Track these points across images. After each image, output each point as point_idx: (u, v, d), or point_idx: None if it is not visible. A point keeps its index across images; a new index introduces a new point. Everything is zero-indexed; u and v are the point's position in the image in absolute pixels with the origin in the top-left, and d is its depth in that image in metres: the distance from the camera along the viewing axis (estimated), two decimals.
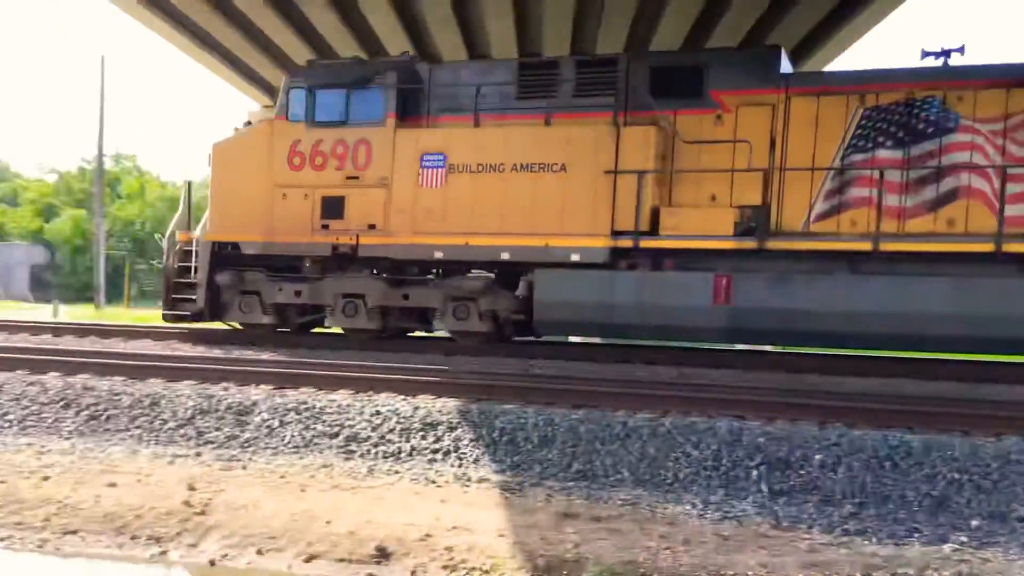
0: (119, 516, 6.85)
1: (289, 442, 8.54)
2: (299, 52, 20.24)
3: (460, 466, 7.98)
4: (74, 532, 6.73)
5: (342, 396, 9.16)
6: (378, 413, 8.68)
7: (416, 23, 19.77)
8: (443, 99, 13.99)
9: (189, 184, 16.66)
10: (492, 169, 13.32)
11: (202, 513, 6.83)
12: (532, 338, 14.78)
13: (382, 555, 6.14)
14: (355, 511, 6.80)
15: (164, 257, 15.73)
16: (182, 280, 15.13)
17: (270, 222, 14.40)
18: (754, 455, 7.58)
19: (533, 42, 20.02)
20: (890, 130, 12.09)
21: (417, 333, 15.43)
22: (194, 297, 14.92)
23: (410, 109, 14.01)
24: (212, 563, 6.25)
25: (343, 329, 14.68)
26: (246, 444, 8.58)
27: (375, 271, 14.27)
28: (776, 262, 12.15)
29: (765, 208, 12.37)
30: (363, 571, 6.05)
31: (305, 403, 8.97)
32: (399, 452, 8.25)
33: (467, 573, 5.91)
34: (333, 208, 14.05)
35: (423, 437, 8.36)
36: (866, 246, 11.72)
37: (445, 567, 5.98)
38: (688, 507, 6.96)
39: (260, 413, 8.91)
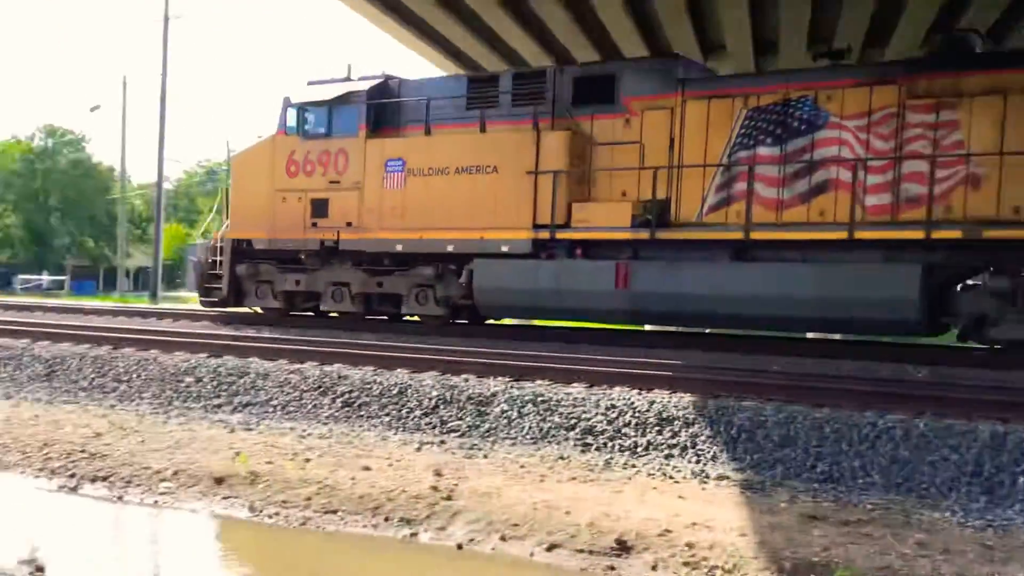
0: (373, 498, 7.26)
1: (527, 433, 8.74)
2: (529, 49, 20.58)
3: (698, 462, 7.89)
4: (334, 512, 7.20)
5: (577, 389, 9.27)
6: (613, 407, 8.73)
7: (648, 17, 19.64)
8: (409, 111, 15.78)
9: (226, 189, 18.66)
10: (440, 172, 15.10)
11: (448, 498, 7.12)
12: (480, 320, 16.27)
13: (622, 548, 6.16)
14: (593, 503, 6.86)
15: (198, 252, 18.41)
16: (213, 272, 17.61)
17: (273, 222, 16.65)
18: (1020, 460, 7.01)
19: (768, 31, 19.41)
20: (769, 128, 13.10)
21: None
22: (221, 286, 17.41)
23: (383, 121, 15.97)
24: (459, 547, 6.50)
25: (338, 313, 16.75)
26: (486, 434, 8.85)
27: (359, 263, 16.10)
28: (669, 251, 13.48)
29: (661, 202, 13.51)
30: (603, 563, 6.09)
31: (541, 395, 9.14)
32: (635, 446, 8.25)
33: (709, 571, 5.83)
34: (320, 208, 16.18)
35: (659, 432, 8.33)
36: (739, 235, 12.89)
37: (686, 564, 5.92)
38: (947, 514, 6.53)
39: (499, 404, 9.17)
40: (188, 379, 10.85)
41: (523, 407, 9.05)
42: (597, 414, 8.68)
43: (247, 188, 17.17)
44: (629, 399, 8.82)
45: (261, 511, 7.37)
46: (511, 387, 9.47)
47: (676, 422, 8.35)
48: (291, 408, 9.94)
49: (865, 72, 13.31)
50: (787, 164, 12.93)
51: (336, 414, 9.68)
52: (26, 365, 12.12)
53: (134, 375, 11.24)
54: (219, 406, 10.19)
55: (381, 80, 16.27)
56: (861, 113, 12.53)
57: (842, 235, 12.18)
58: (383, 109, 15.96)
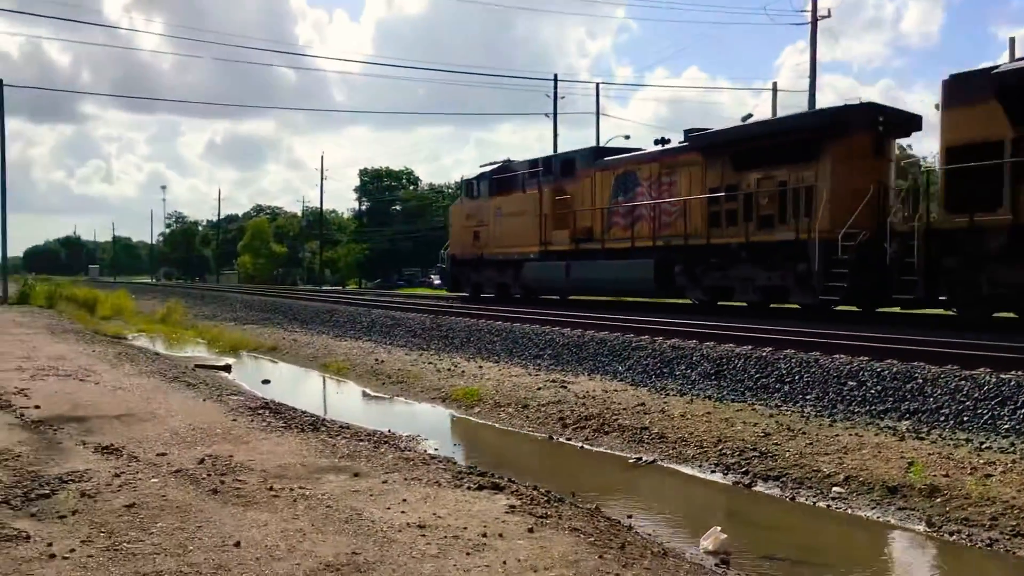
0: None
1: None
2: None
3: None
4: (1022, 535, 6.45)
5: None
6: None
7: None
8: (507, 181, 28.81)
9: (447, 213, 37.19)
10: (511, 215, 28.22)
11: None
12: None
13: None
14: None
15: (440, 262, 34.91)
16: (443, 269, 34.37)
17: (462, 243, 31.12)
18: None
19: None
20: (621, 187, 24.14)
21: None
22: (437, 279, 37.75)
23: (499, 188, 29.23)
24: None
25: (493, 294, 30.17)
26: None
27: (493, 266, 29.64)
28: (584, 256, 25.13)
29: (587, 228, 25.27)
30: None
31: None
32: None
33: None
34: (476, 237, 30.06)
35: None
36: (599, 246, 24.61)
37: None
38: None
39: None
40: (851, 382, 10.67)
41: None
42: None
43: (454, 225, 32.56)
44: None
45: (940, 527, 6.92)
46: None
47: None
48: (964, 418, 9.18)
49: (649, 156, 23.76)
50: (626, 206, 23.65)
51: (1018, 427, 8.70)
52: (696, 364, 13.06)
53: (796, 376, 11.41)
54: (885, 411, 9.82)
55: (501, 163, 30.06)
56: (647, 178, 23.02)
57: (627, 245, 23.32)
58: (499, 181, 29.41)
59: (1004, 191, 14.28)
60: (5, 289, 40.17)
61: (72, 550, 4.82)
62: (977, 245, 14.72)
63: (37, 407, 9.65)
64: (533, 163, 27.95)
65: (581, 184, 25.43)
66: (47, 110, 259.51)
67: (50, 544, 4.91)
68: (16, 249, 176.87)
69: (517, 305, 25.83)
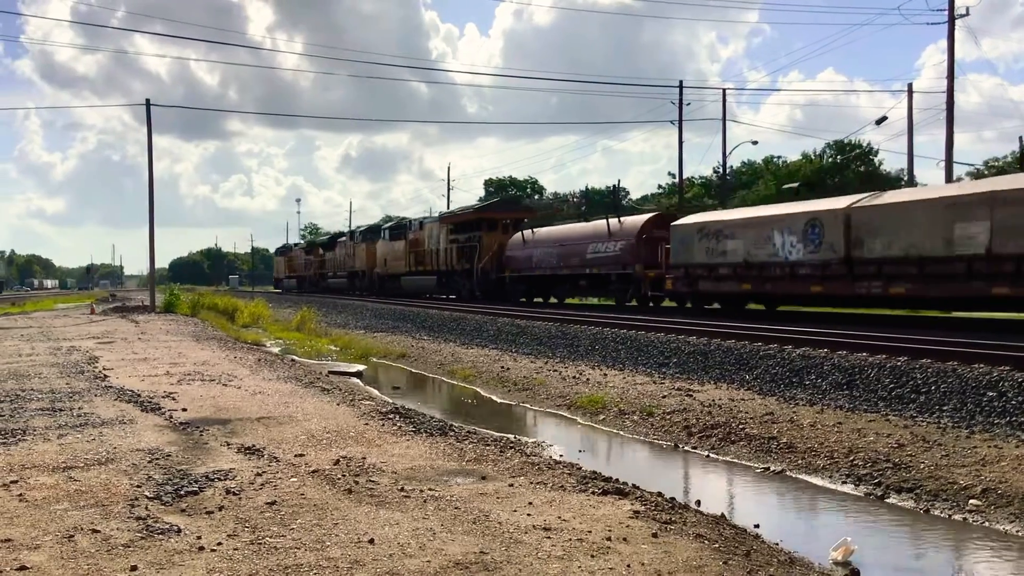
0: None
1: None
2: None
3: None
4: None
5: None
6: None
7: None
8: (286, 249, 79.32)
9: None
10: (299, 264, 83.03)
11: None
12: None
13: None
14: None
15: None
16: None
17: (279, 271, 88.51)
18: None
19: None
20: (329, 252, 74.86)
21: None
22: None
23: (284, 252, 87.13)
24: None
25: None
26: None
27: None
28: (321, 278, 74.41)
29: (321, 267, 78.85)
30: None
31: None
32: None
33: None
34: (289, 267, 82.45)
35: None
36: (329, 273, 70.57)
37: None
38: None
39: None
40: (991, 393, 10.27)
41: None
42: None
43: (277, 264, 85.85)
44: None
45: None
46: None
47: None
48: None
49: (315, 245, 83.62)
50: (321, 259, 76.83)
51: None
52: (827, 373, 12.77)
53: (932, 386, 11.04)
54: None
55: (284, 246, 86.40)
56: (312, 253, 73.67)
57: (328, 274, 67.32)
58: (282, 249, 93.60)
59: None
60: (153, 299, 42.44)
61: (219, 543, 5.13)
62: None
63: (184, 410, 10.23)
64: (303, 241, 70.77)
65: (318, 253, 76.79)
66: (196, 128, 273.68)
67: (199, 537, 5.24)
68: (163, 260, 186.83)
69: (644, 313, 25.69)
